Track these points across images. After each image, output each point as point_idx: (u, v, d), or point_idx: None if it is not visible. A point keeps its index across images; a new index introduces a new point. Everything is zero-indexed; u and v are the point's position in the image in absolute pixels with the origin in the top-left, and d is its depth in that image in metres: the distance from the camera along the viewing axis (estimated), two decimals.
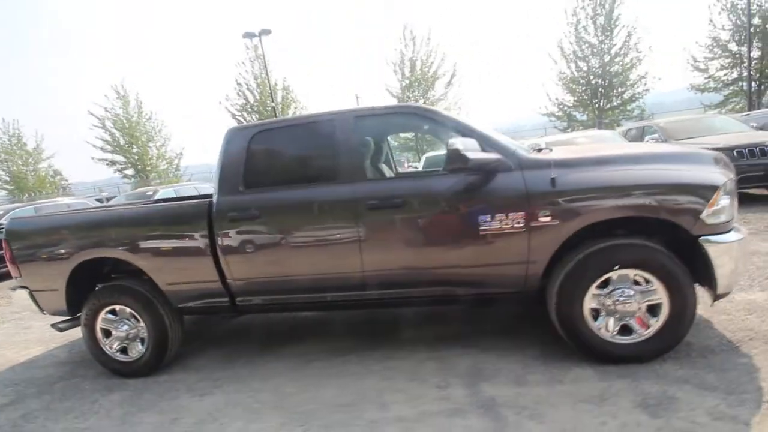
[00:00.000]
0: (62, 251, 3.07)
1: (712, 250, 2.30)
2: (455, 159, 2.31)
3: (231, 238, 2.79)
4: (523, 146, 2.71)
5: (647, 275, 2.36)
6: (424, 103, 19.37)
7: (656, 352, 2.43)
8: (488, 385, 2.44)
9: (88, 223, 3.13)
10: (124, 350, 3.16)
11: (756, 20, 17.37)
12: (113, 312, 3.12)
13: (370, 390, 2.56)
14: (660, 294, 2.37)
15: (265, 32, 19.29)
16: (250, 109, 21.56)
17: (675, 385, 2.22)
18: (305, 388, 2.68)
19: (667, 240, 2.45)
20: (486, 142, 2.51)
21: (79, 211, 3.58)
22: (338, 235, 2.68)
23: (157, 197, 8.61)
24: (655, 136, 8.20)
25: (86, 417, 2.72)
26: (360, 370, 2.83)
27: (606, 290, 2.41)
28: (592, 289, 2.41)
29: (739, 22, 18.05)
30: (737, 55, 18.61)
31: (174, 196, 8.31)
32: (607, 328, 2.44)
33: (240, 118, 21.69)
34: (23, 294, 3.36)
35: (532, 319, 3.32)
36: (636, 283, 2.40)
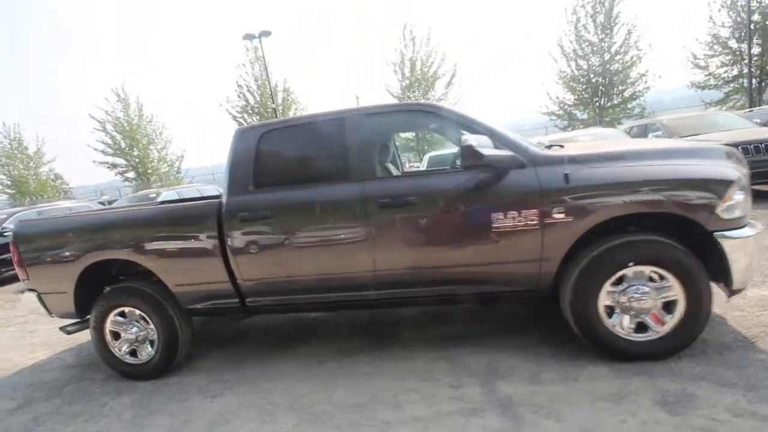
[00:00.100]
0: (71, 253, 3.06)
1: (727, 246, 2.29)
2: (469, 156, 2.29)
3: (241, 239, 2.78)
4: (534, 143, 2.69)
5: (662, 272, 2.34)
6: None
7: (672, 349, 2.41)
8: (503, 383, 2.42)
9: (97, 225, 3.12)
10: (133, 352, 3.14)
11: (756, 17, 17.35)
12: (122, 314, 3.10)
13: (383, 390, 2.54)
14: (675, 290, 2.34)
15: (265, 33, 19.29)
16: (250, 111, 21.56)
17: (693, 383, 2.20)
18: (317, 389, 2.67)
19: (680, 236, 2.43)
20: (498, 139, 2.49)
21: (88, 213, 3.56)
22: (350, 235, 2.66)
23: (160, 199, 8.60)
24: (659, 133, 8.18)
25: (96, 420, 2.70)
26: (371, 370, 2.81)
27: (621, 287, 2.39)
28: (607, 286, 2.39)
29: (739, 19, 18.04)
30: (737, 52, 18.59)
31: (177, 198, 8.31)
32: (622, 326, 2.42)
33: (241, 120, 21.68)
34: (29, 297, 3.35)
35: (536, 317, 3.32)
36: (651, 279, 2.38)
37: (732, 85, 19.27)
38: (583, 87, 20.87)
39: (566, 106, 21.71)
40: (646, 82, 19.76)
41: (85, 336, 3.85)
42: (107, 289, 3.27)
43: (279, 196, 2.79)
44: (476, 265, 2.54)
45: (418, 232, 2.59)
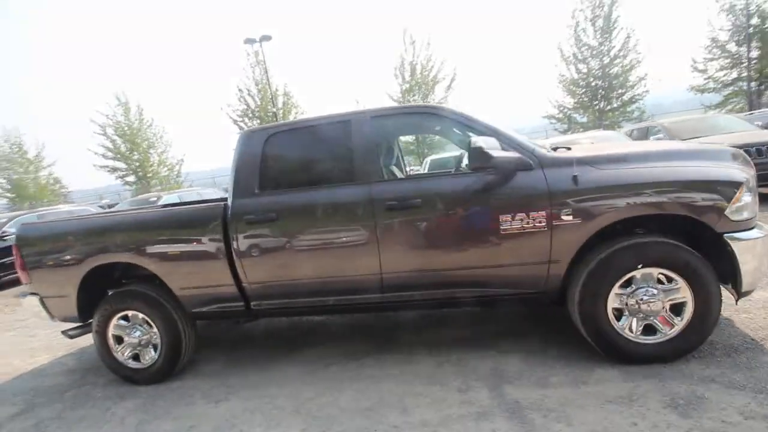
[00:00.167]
0: (74, 256, 3.04)
1: (736, 247, 2.28)
2: (478, 157, 2.29)
3: (247, 241, 2.76)
4: (541, 145, 2.68)
5: (671, 274, 2.33)
6: None
7: (681, 351, 2.40)
8: (511, 387, 2.40)
9: (101, 228, 3.09)
10: (136, 357, 3.12)
11: (755, 20, 17.44)
12: (125, 318, 3.08)
13: (390, 394, 2.52)
14: (684, 292, 2.33)
15: (266, 38, 19.34)
16: (251, 115, 21.57)
17: (702, 385, 2.18)
18: (323, 393, 2.64)
19: (686, 239, 2.42)
20: (505, 141, 2.48)
21: (92, 216, 3.54)
22: (356, 237, 2.65)
23: (161, 203, 8.58)
24: (660, 136, 8.19)
25: (99, 425, 2.67)
26: (377, 373, 2.78)
27: (629, 289, 2.38)
28: (616, 289, 2.38)
29: (738, 23, 18.13)
30: (736, 56, 18.67)
31: (178, 201, 8.29)
32: (630, 328, 2.41)
33: (241, 124, 21.69)
34: (31, 301, 3.32)
35: (537, 319, 3.30)
36: (659, 282, 2.37)
37: (731, 88, 19.31)
38: (583, 90, 20.93)
39: (566, 110, 21.76)
40: (645, 85, 19.84)
41: (86, 340, 3.83)
42: (110, 292, 3.25)
43: (285, 198, 2.78)
44: (483, 267, 2.52)
45: (424, 234, 2.58)
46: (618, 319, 2.42)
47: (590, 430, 1.97)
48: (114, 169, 23.65)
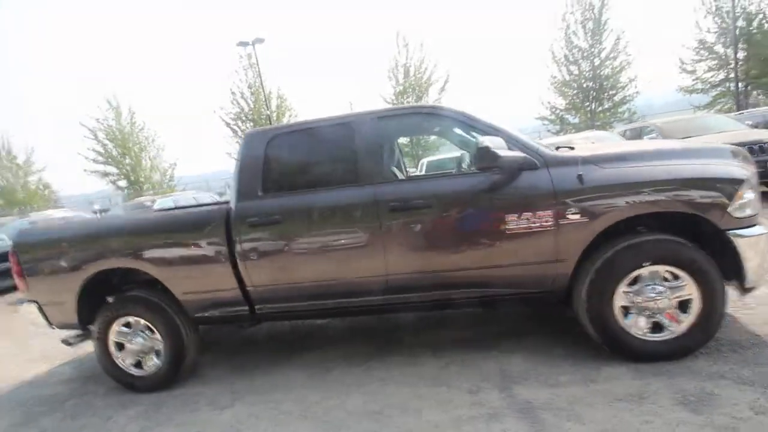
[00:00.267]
0: (74, 263, 2.98)
1: (740, 244, 2.30)
2: (485, 157, 2.29)
3: (251, 244, 2.73)
4: (545, 144, 2.69)
5: (677, 271, 2.34)
6: None
7: (688, 348, 2.41)
8: (520, 387, 2.40)
9: (101, 234, 3.04)
10: (138, 364, 3.06)
11: (740, 22, 17.78)
12: (127, 324, 3.02)
13: (397, 396, 2.50)
14: (690, 289, 2.35)
15: (259, 41, 19.29)
16: (244, 118, 21.46)
17: (711, 381, 2.19)
18: (329, 397, 2.61)
19: (687, 237, 2.44)
20: (511, 141, 2.49)
21: (91, 222, 3.49)
22: (361, 238, 2.63)
23: (156, 207, 8.49)
24: (653, 135, 8.30)
25: None
26: (383, 375, 2.76)
27: (636, 287, 2.39)
28: (622, 287, 2.39)
29: (724, 25, 18.47)
30: (723, 57, 19.00)
31: (173, 205, 8.20)
32: (638, 326, 2.42)
33: (234, 127, 21.57)
34: (27, 309, 3.25)
35: (540, 319, 3.31)
36: (665, 279, 2.38)
37: (719, 89, 19.67)
38: (575, 92, 21.16)
39: (558, 111, 21.96)
40: (635, 86, 20.11)
41: (84, 348, 3.76)
42: (110, 299, 3.20)
43: (289, 200, 2.75)
44: (490, 267, 2.52)
45: (430, 235, 2.57)
46: (625, 317, 2.43)
47: (602, 429, 1.97)
48: (105, 174, 23.36)
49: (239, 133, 21.58)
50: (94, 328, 3.05)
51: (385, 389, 2.59)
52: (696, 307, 2.36)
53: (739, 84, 18.48)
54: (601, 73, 20.31)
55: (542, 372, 2.52)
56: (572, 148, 2.83)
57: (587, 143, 7.33)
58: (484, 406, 2.27)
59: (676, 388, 2.18)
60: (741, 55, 18.20)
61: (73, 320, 3.13)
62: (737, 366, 2.30)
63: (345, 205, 2.66)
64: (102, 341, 3.04)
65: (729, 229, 2.32)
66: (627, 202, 2.33)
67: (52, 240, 3.11)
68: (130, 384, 3.08)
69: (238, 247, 2.75)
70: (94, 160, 22.87)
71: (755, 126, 8.65)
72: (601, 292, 2.40)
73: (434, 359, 2.87)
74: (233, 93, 21.46)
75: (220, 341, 3.95)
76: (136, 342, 3.01)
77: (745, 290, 2.42)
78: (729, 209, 2.30)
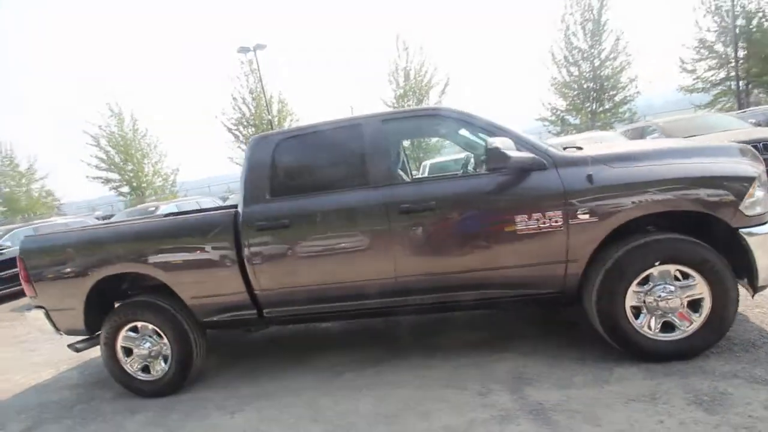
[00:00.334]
0: (82, 268, 2.98)
1: (752, 242, 2.29)
2: (496, 158, 2.29)
3: (259, 248, 2.73)
4: (553, 145, 2.69)
5: (688, 270, 2.33)
6: None
7: (700, 348, 2.40)
8: (532, 389, 2.38)
9: (109, 239, 3.04)
10: (146, 369, 3.05)
11: (740, 21, 17.80)
12: (135, 329, 3.02)
13: (409, 399, 2.48)
14: (701, 288, 2.33)
15: (260, 47, 19.36)
16: (246, 123, 21.52)
17: (724, 381, 2.18)
18: (340, 401, 2.60)
19: (696, 236, 2.42)
20: (519, 142, 2.49)
21: (99, 227, 3.49)
22: (370, 241, 2.63)
23: (159, 213, 8.49)
24: (655, 135, 8.29)
25: None
26: (395, 379, 2.75)
27: (647, 287, 2.38)
28: (633, 287, 2.37)
29: (724, 24, 18.49)
30: (723, 56, 19.01)
31: (176, 210, 8.20)
32: (649, 326, 2.40)
33: (236, 132, 21.63)
34: (36, 314, 3.25)
35: (548, 320, 3.30)
36: (675, 278, 2.37)
37: (719, 88, 19.66)
38: (575, 93, 21.16)
39: (558, 112, 21.97)
40: (636, 86, 20.11)
41: (89, 354, 3.75)
42: (118, 304, 3.20)
43: (297, 204, 2.75)
44: (502, 268, 2.51)
45: (440, 236, 2.57)
46: (636, 317, 2.41)
47: (618, 429, 1.96)
48: (107, 180, 23.44)
49: (241, 137, 21.64)
50: (102, 332, 3.04)
51: (397, 392, 2.58)
52: (707, 306, 2.34)
53: (740, 82, 18.48)
54: (602, 73, 20.31)
55: (554, 374, 2.50)
56: (580, 148, 2.82)
57: (592, 143, 7.32)
58: (496, 408, 2.26)
59: (689, 387, 2.16)
60: (741, 53, 18.21)
61: (80, 326, 3.13)
62: (749, 365, 2.28)
63: (354, 207, 2.66)
64: (110, 346, 3.03)
65: (740, 228, 2.31)
66: (637, 202, 2.32)
67: (58, 246, 3.11)
68: (137, 389, 3.07)
69: (246, 251, 2.75)
70: (97, 167, 22.97)
71: (758, 124, 8.63)
72: (611, 292, 2.38)
73: (445, 361, 2.86)
74: (234, 98, 21.56)
75: (223, 346, 3.94)
76: (144, 347, 3.00)
77: (755, 289, 2.40)
78: (740, 207, 2.29)
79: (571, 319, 3.09)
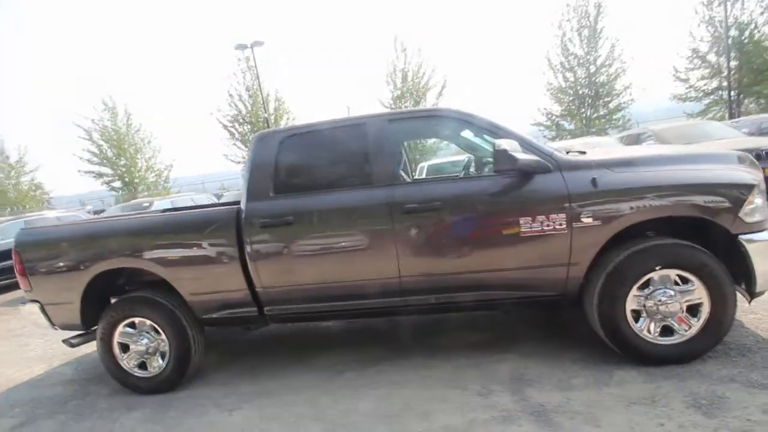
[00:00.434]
0: (79, 262, 2.94)
1: (751, 249, 2.33)
2: (503, 160, 2.30)
3: (261, 245, 2.72)
4: (558, 148, 2.72)
5: (687, 275, 2.37)
6: None
7: (698, 352, 2.43)
8: (533, 390, 2.40)
9: (107, 233, 3.01)
10: (142, 365, 3.02)
11: (733, 32, 18.11)
12: (132, 325, 2.98)
13: (411, 399, 2.49)
14: (700, 293, 2.37)
15: (258, 44, 19.27)
16: (242, 120, 21.40)
17: (722, 385, 2.21)
18: (341, 400, 2.60)
19: (695, 241, 2.46)
20: (524, 145, 2.50)
21: (97, 221, 3.45)
22: (373, 240, 2.63)
23: (153, 208, 8.41)
24: (650, 142, 8.39)
25: None
26: (397, 378, 2.75)
27: (647, 291, 2.41)
28: (634, 290, 2.40)
29: (717, 34, 18.80)
30: (716, 66, 19.33)
31: (171, 206, 8.13)
32: (648, 329, 2.43)
33: (231, 129, 21.50)
34: (31, 308, 3.19)
35: (550, 322, 3.32)
36: (675, 283, 2.40)
37: (711, 97, 19.98)
38: (570, 98, 21.38)
39: (554, 117, 22.17)
40: (630, 94, 20.38)
41: (83, 349, 3.70)
42: (114, 299, 3.16)
43: (301, 201, 2.74)
44: (505, 269, 2.53)
45: (444, 237, 2.58)
46: (636, 320, 2.44)
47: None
48: (99, 175, 23.15)
49: (236, 135, 21.51)
50: (98, 328, 3.01)
51: (398, 392, 2.58)
52: (705, 311, 2.38)
53: (732, 92, 18.80)
54: (597, 80, 20.56)
55: (554, 375, 2.52)
56: (583, 152, 2.85)
57: (590, 148, 7.38)
58: (497, 409, 2.27)
59: (687, 391, 2.19)
60: (733, 64, 18.52)
61: (76, 321, 3.08)
62: (746, 369, 2.32)
63: (358, 206, 2.66)
64: (106, 342, 3.00)
65: (740, 234, 2.35)
66: (640, 207, 2.35)
67: (55, 239, 3.07)
68: (134, 385, 3.04)
69: (248, 248, 2.73)
70: (89, 161, 22.68)
71: (750, 134, 8.78)
72: (612, 296, 2.41)
73: (446, 362, 2.86)
74: (230, 95, 21.42)
75: (222, 343, 3.91)
76: (141, 343, 2.97)
77: (752, 295, 2.45)
78: (740, 214, 2.33)
79: (573, 322, 3.12)
